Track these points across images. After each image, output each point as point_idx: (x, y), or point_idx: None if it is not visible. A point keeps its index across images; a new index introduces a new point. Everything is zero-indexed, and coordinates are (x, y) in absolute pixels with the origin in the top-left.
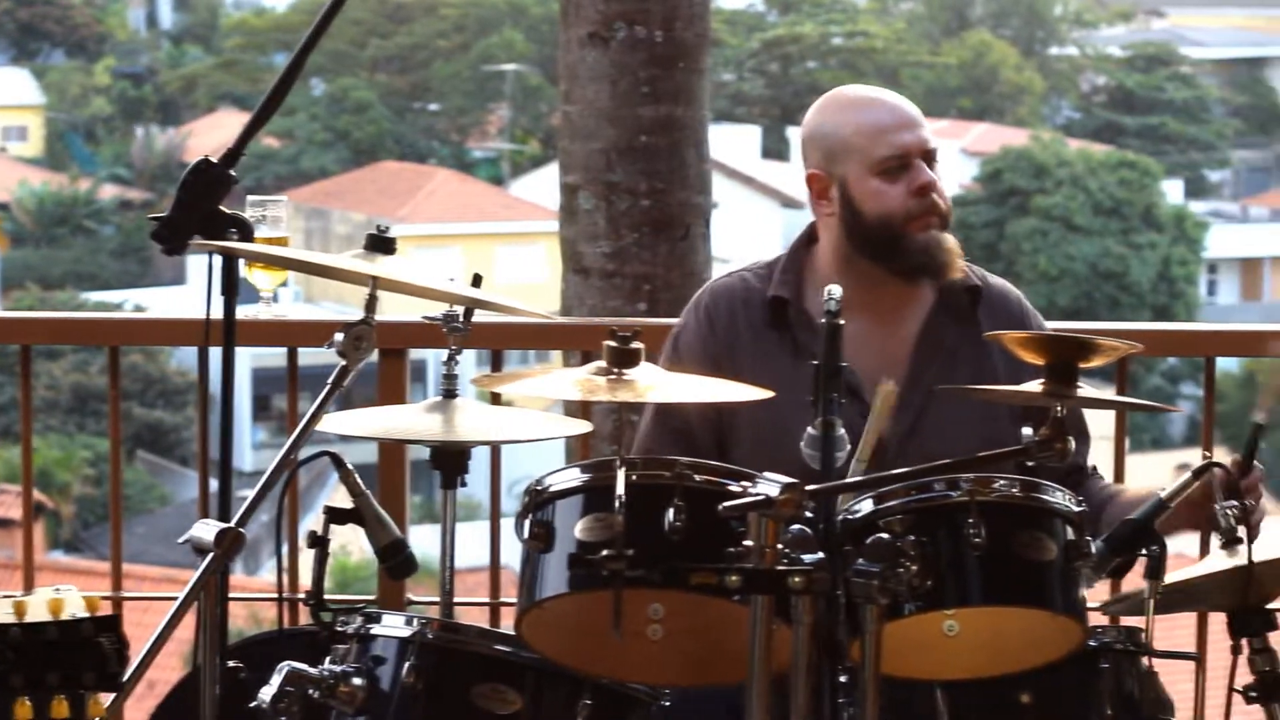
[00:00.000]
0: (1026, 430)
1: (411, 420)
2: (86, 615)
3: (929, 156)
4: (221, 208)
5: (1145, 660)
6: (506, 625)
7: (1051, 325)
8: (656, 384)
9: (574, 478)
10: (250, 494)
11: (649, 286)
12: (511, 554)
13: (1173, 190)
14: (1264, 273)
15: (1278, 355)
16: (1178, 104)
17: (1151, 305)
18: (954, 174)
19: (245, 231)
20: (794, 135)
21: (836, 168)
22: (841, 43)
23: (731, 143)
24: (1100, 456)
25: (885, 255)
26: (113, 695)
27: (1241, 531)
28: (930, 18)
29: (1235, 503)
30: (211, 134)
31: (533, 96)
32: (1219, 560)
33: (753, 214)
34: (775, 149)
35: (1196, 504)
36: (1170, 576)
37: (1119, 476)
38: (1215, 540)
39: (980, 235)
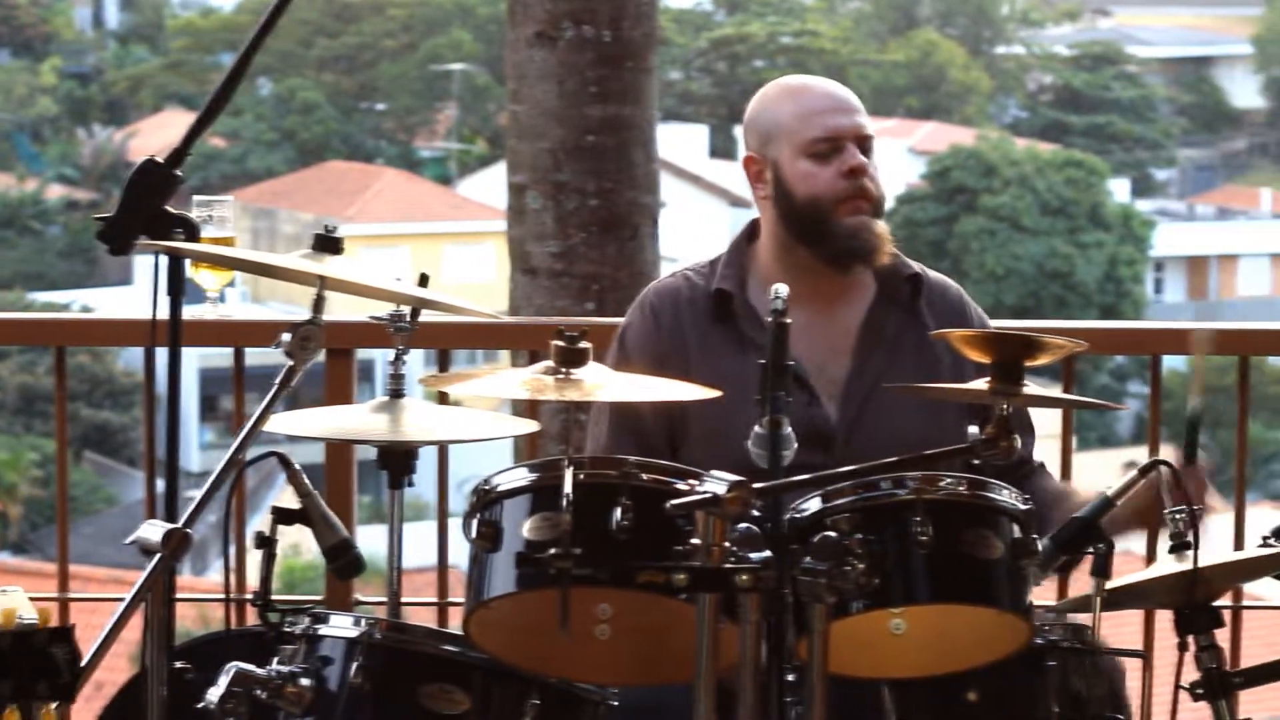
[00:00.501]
0: (972, 429)
1: (358, 420)
2: (40, 626)
3: (863, 142)
4: (167, 208)
5: (1093, 658)
6: (454, 625)
7: (998, 324)
8: (604, 383)
9: (521, 477)
10: (197, 494)
11: (597, 286)
12: (459, 554)
13: (1119, 189)
14: (1210, 271)
15: (1200, 352)
16: (1124, 103)
17: (1098, 304)
18: (901, 173)
19: (191, 231)
20: (741, 134)
21: (770, 150)
22: (789, 41)
23: (679, 142)
24: (1047, 454)
25: (814, 238)
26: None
27: (1190, 536)
28: (877, 16)
29: (1184, 508)
30: (158, 134)
31: (480, 96)
32: (1167, 563)
33: (701, 213)
34: (723, 148)
35: (1143, 507)
36: (1117, 580)
37: (1065, 474)
38: (1163, 542)
39: (927, 233)
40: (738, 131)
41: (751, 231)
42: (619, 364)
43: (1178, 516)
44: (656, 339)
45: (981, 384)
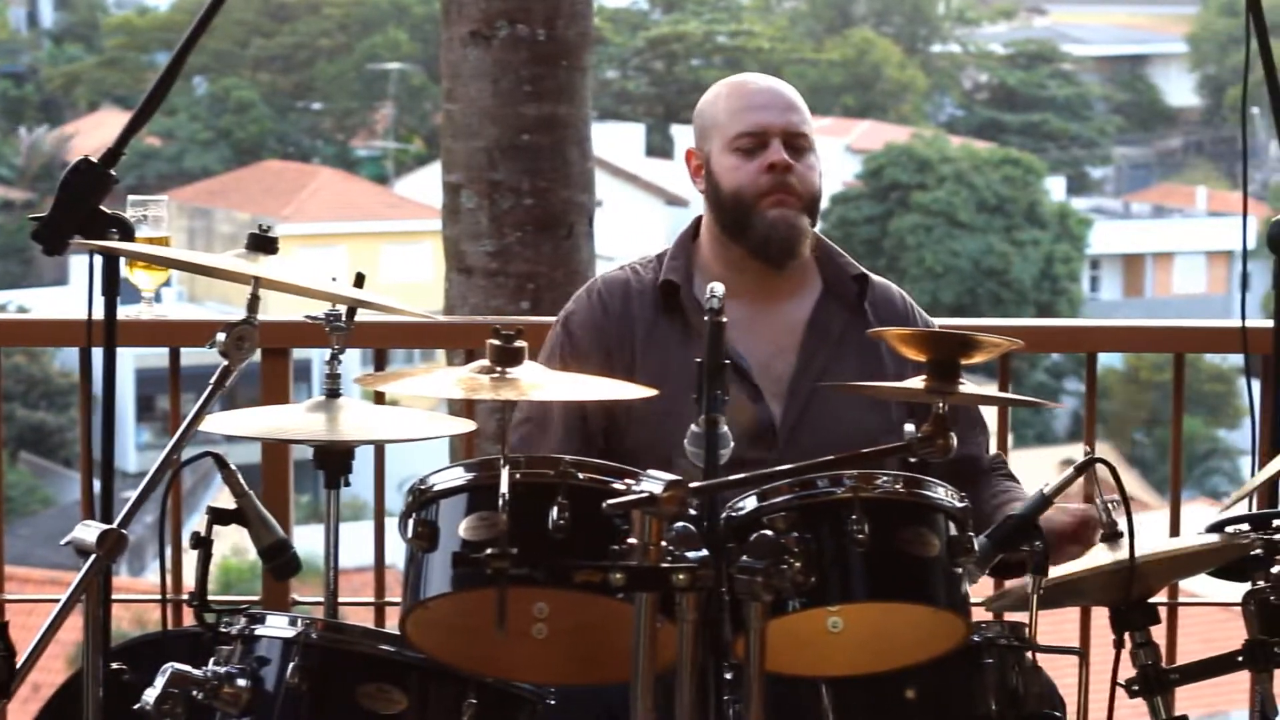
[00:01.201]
0: (909, 427)
1: (294, 420)
2: None
3: (793, 140)
4: (102, 207)
5: (1030, 655)
6: (391, 625)
7: (936, 322)
8: (540, 383)
9: (458, 477)
10: (134, 495)
11: (533, 285)
12: (397, 554)
13: (1055, 187)
14: (1146, 269)
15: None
16: (1060, 101)
17: (1035, 302)
18: (838, 171)
19: (126, 231)
20: (678, 133)
21: (705, 144)
22: (725, 41)
23: (615, 141)
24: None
25: (738, 231)
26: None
27: (1123, 525)
28: (813, 15)
29: (1116, 496)
30: (94, 133)
31: (417, 95)
32: (1101, 556)
33: (637, 212)
34: (660, 147)
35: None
36: (1053, 572)
37: None
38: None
39: (863, 231)
40: (674, 130)
41: (697, 227)
42: (563, 348)
43: (1110, 504)
44: (604, 324)
45: (919, 382)
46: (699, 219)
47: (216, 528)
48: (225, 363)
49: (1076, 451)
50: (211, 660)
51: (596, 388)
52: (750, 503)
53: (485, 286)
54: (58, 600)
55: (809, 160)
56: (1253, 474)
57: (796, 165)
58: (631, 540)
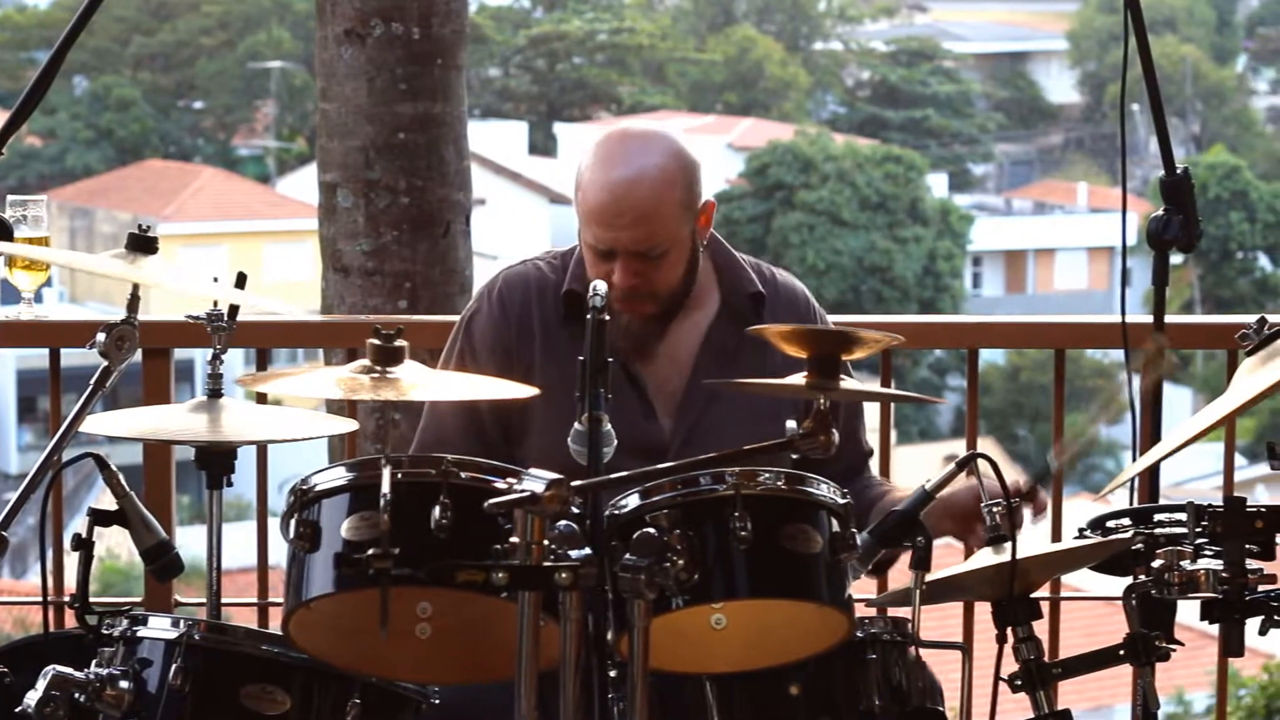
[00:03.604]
0: (790, 423)
1: (176, 420)
2: None
3: (643, 251)
4: None
5: (913, 650)
6: (275, 626)
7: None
8: (420, 382)
9: (340, 477)
10: (14, 496)
11: (409, 284)
12: (280, 554)
13: (937, 184)
14: (1027, 265)
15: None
16: (941, 98)
17: (917, 299)
18: (720, 169)
19: (4, 231)
20: (561, 131)
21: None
22: (607, 39)
23: (498, 139)
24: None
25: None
26: None
27: (1006, 529)
28: (695, 13)
29: (1000, 501)
30: None
31: (298, 94)
32: (985, 557)
33: (519, 210)
34: (542, 145)
35: (962, 512)
36: (937, 573)
37: (885, 467)
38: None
39: (746, 230)
40: (557, 128)
41: None
42: (462, 353)
43: (995, 510)
44: (505, 328)
45: (799, 379)
46: None
47: (98, 529)
48: (106, 363)
49: (960, 447)
50: (94, 662)
51: (479, 387)
52: (633, 501)
53: (362, 285)
54: None
55: (667, 261)
56: None
57: (646, 276)
58: (514, 539)
